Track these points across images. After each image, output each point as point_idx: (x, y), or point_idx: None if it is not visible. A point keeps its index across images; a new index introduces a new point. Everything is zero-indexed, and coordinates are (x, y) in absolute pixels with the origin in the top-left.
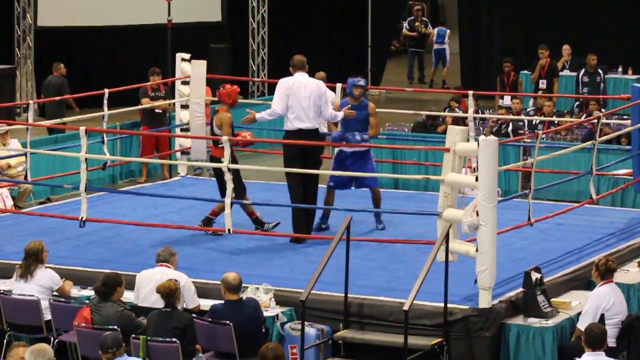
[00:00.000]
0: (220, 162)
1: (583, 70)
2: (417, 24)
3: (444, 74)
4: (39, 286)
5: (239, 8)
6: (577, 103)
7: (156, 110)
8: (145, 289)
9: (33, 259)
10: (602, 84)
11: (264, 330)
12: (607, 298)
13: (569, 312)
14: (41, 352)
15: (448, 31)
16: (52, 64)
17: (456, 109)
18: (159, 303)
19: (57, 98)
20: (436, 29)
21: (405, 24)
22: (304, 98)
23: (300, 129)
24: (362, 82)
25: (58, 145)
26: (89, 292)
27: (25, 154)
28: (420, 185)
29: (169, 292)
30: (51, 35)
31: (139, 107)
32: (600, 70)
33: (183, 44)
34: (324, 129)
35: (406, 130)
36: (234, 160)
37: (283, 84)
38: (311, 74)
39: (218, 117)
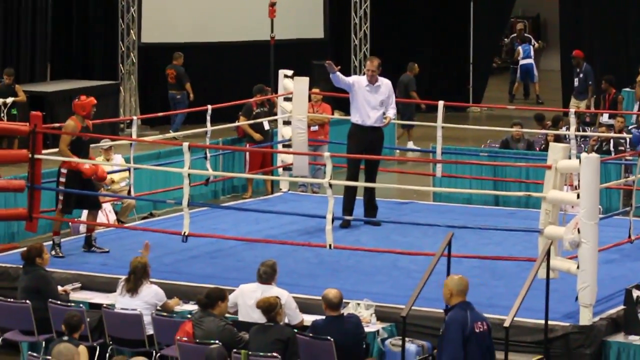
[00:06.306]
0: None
1: None
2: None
3: (537, 90)
4: (143, 302)
5: (341, 25)
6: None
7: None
8: (246, 305)
9: (140, 275)
10: None
11: (364, 346)
12: None
13: None
14: None
15: (532, 47)
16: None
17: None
18: (261, 319)
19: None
20: (520, 47)
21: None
22: None
23: None
24: None
25: (161, 160)
26: (191, 307)
27: (128, 170)
28: (521, 203)
29: (269, 307)
30: (154, 51)
31: (238, 123)
32: None
33: (285, 60)
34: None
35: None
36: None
37: None
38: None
39: (64, 126)
